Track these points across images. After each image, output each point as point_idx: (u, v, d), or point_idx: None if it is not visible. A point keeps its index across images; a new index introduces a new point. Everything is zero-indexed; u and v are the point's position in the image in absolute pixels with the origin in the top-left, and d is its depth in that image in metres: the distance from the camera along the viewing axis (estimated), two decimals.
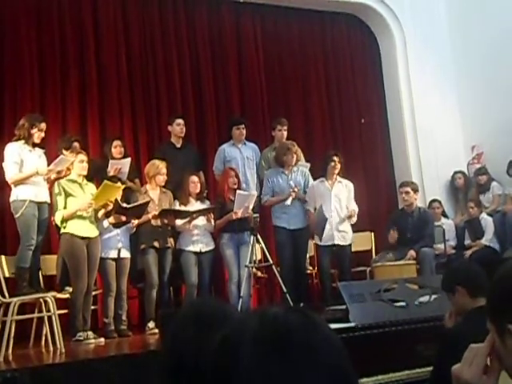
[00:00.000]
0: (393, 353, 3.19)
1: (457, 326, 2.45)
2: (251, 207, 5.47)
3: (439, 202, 6.92)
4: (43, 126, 5.03)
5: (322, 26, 7.86)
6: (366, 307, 3.39)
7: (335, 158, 5.92)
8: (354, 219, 5.91)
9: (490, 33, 7.31)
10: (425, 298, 3.51)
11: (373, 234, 6.72)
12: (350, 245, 5.94)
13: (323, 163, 6.03)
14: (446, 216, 6.98)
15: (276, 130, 6.29)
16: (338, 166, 5.92)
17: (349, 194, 5.94)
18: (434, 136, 7.62)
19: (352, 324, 3.27)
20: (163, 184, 5.54)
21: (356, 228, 6.15)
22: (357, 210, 5.95)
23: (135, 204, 5.23)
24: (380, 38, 8.06)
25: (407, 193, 6.05)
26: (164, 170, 5.50)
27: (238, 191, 5.52)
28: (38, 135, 4.98)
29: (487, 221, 6.60)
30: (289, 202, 5.70)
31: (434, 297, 3.51)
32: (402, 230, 5.99)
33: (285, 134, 6.24)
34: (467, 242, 6.67)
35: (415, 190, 6.14)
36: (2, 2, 6.08)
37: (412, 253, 5.78)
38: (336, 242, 5.82)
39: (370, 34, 8.08)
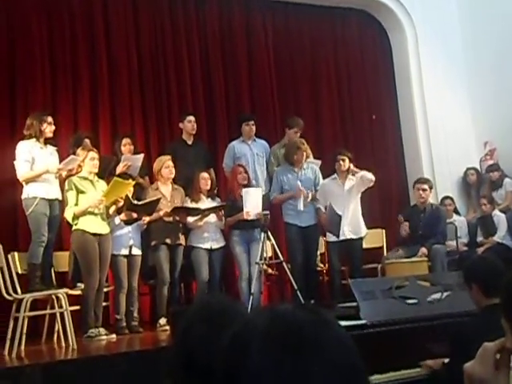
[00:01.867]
0: (404, 350, 3.17)
1: (469, 323, 2.43)
2: (260, 205, 5.44)
3: (451, 199, 6.88)
4: (50, 119, 5.09)
5: (332, 22, 7.82)
6: (377, 304, 3.37)
7: (340, 158, 5.89)
8: (368, 177, 5.79)
9: (501, 28, 7.25)
10: (436, 296, 3.48)
11: (384, 231, 6.68)
12: (361, 239, 5.90)
13: (332, 162, 6.02)
14: (458, 213, 6.94)
15: (292, 130, 6.20)
16: (345, 164, 5.88)
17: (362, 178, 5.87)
18: (445, 132, 7.57)
19: (363, 321, 3.26)
20: (170, 177, 5.53)
21: (367, 225, 6.12)
22: (372, 177, 5.82)
23: (146, 201, 5.25)
24: (391, 33, 8.01)
25: (424, 190, 6.03)
26: (168, 163, 5.50)
27: (244, 189, 5.50)
28: (49, 129, 5.03)
29: (500, 218, 6.54)
30: (301, 207, 5.61)
31: (445, 294, 3.48)
32: (414, 227, 5.96)
33: (298, 135, 6.20)
34: (480, 239, 6.63)
35: (431, 188, 6.14)
36: (12, 2, 6.11)
37: (424, 250, 5.75)
38: (347, 237, 5.79)
39: (381, 29, 8.04)
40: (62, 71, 6.28)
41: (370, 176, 5.83)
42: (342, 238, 5.79)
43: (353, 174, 5.82)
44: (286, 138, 6.28)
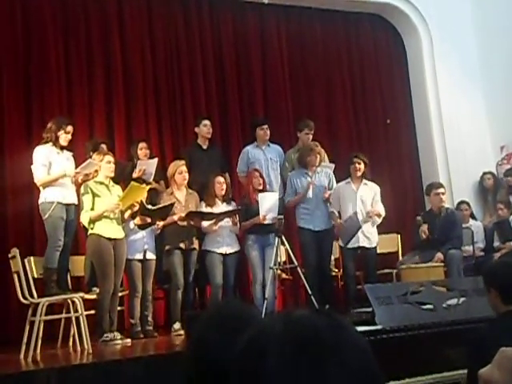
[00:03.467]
0: (420, 356, 3.15)
1: (486, 329, 2.40)
2: (276, 209, 5.45)
3: (467, 204, 6.82)
4: (70, 128, 5.09)
5: (346, 27, 7.81)
6: (392, 310, 3.35)
7: (355, 160, 5.88)
8: (378, 220, 5.86)
9: None
10: (453, 301, 3.45)
11: (399, 235, 6.64)
12: (375, 247, 5.90)
13: (347, 165, 6.01)
14: (474, 218, 6.87)
15: (302, 132, 6.24)
16: (360, 168, 5.88)
17: (374, 196, 5.89)
18: (461, 136, 7.51)
19: (378, 327, 3.23)
20: (184, 183, 5.55)
21: (382, 230, 6.10)
22: (383, 213, 5.89)
23: (160, 206, 5.27)
24: (405, 37, 7.98)
25: (443, 194, 6.01)
26: (182, 169, 5.51)
27: (260, 194, 5.51)
28: (64, 137, 5.04)
29: None
30: (310, 194, 5.68)
31: (462, 299, 3.45)
32: (430, 232, 5.91)
33: (310, 137, 6.20)
34: (496, 244, 6.55)
35: (445, 191, 6.14)
36: (28, 7, 6.19)
37: (439, 255, 5.70)
38: (361, 245, 5.78)
39: (395, 33, 8.02)
40: (78, 77, 6.34)
41: (382, 214, 5.87)
42: (355, 245, 5.77)
43: (370, 216, 5.79)
44: (300, 142, 6.28)
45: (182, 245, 5.39)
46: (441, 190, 6.02)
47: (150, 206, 5.21)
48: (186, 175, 5.53)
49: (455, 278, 5.34)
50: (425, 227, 5.89)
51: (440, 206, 6.01)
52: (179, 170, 5.51)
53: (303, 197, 5.75)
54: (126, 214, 5.07)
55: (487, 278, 2.53)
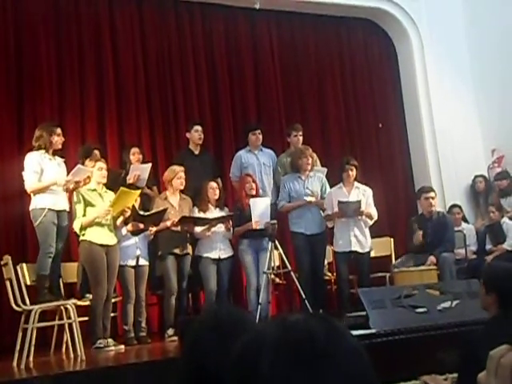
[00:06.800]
0: (414, 359, 3.15)
1: (479, 332, 2.41)
2: (268, 214, 5.44)
3: (459, 208, 6.84)
4: (59, 130, 5.12)
5: (338, 32, 7.85)
6: (386, 313, 3.35)
7: (348, 167, 5.90)
8: (369, 222, 5.86)
9: (508, 36, 7.25)
10: (446, 304, 3.46)
11: (392, 239, 6.66)
12: (368, 252, 5.90)
13: (339, 170, 6.02)
14: (466, 221, 6.90)
15: (291, 136, 6.28)
16: (352, 173, 5.89)
17: (366, 199, 5.91)
18: (453, 140, 7.55)
19: (372, 330, 3.23)
20: (181, 188, 5.55)
21: (375, 233, 6.10)
22: (376, 215, 5.90)
23: (152, 212, 5.26)
24: (397, 42, 8.03)
25: (433, 198, 6.03)
26: (181, 174, 5.52)
27: (251, 199, 5.51)
28: (58, 140, 5.06)
29: (509, 225, 6.50)
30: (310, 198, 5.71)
31: (455, 302, 3.46)
32: (423, 235, 5.93)
33: (300, 139, 6.23)
34: (488, 246, 6.59)
35: (436, 195, 6.15)
36: (20, 12, 6.17)
37: (432, 258, 5.72)
38: (353, 249, 5.79)
39: (386, 38, 8.06)
40: (70, 82, 6.33)
41: (374, 216, 5.87)
42: (347, 249, 5.78)
43: (361, 213, 5.79)
44: (291, 146, 6.30)
45: (175, 250, 5.38)
46: (430, 195, 6.04)
47: (142, 212, 5.20)
48: (184, 182, 5.55)
49: (448, 281, 5.36)
50: (419, 234, 5.91)
51: (430, 210, 6.03)
52: (178, 175, 5.51)
53: (298, 207, 5.75)
54: (119, 221, 5.05)
55: (490, 281, 2.51)
